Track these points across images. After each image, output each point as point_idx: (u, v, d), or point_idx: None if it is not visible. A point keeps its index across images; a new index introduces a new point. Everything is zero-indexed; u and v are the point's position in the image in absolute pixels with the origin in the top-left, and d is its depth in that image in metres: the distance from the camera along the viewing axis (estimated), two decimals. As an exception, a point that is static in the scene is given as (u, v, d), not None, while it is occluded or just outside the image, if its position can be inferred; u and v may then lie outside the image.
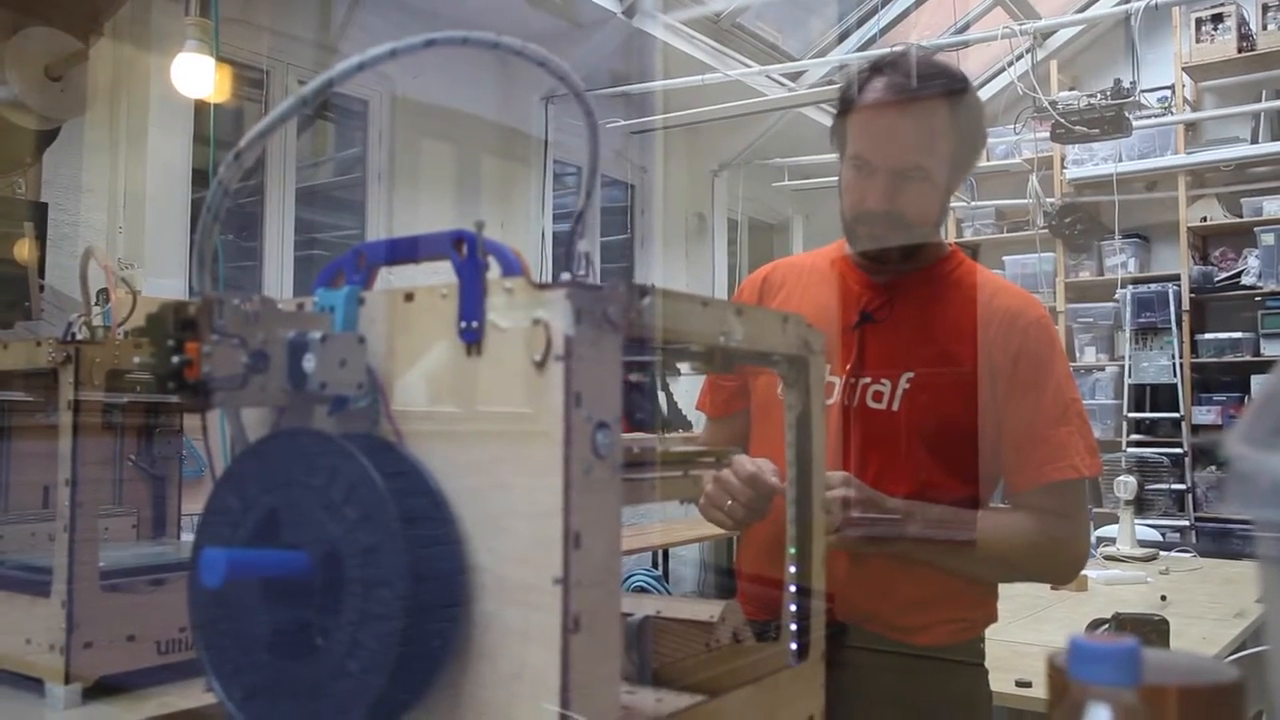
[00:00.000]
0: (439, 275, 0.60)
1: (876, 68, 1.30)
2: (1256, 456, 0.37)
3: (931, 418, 1.28)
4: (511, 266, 0.58)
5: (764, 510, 1.14)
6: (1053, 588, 2.84)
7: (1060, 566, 1.46)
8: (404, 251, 0.64)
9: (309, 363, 0.57)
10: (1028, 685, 1.82)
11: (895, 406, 1.29)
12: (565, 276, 0.65)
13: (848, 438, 1.29)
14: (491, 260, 0.58)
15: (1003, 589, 2.89)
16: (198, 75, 2.53)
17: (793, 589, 0.76)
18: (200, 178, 3.14)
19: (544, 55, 0.63)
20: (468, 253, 0.58)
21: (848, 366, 1.32)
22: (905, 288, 1.36)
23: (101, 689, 1.09)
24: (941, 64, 1.32)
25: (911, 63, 1.29)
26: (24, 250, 2.38)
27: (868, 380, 1.31)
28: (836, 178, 1.36)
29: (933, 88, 1.28)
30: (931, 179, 1.28)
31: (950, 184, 1.33)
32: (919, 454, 1.28)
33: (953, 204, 6.02)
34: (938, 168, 1.28)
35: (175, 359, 0.54)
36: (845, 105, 1.33)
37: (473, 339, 0.57)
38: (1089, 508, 1.42)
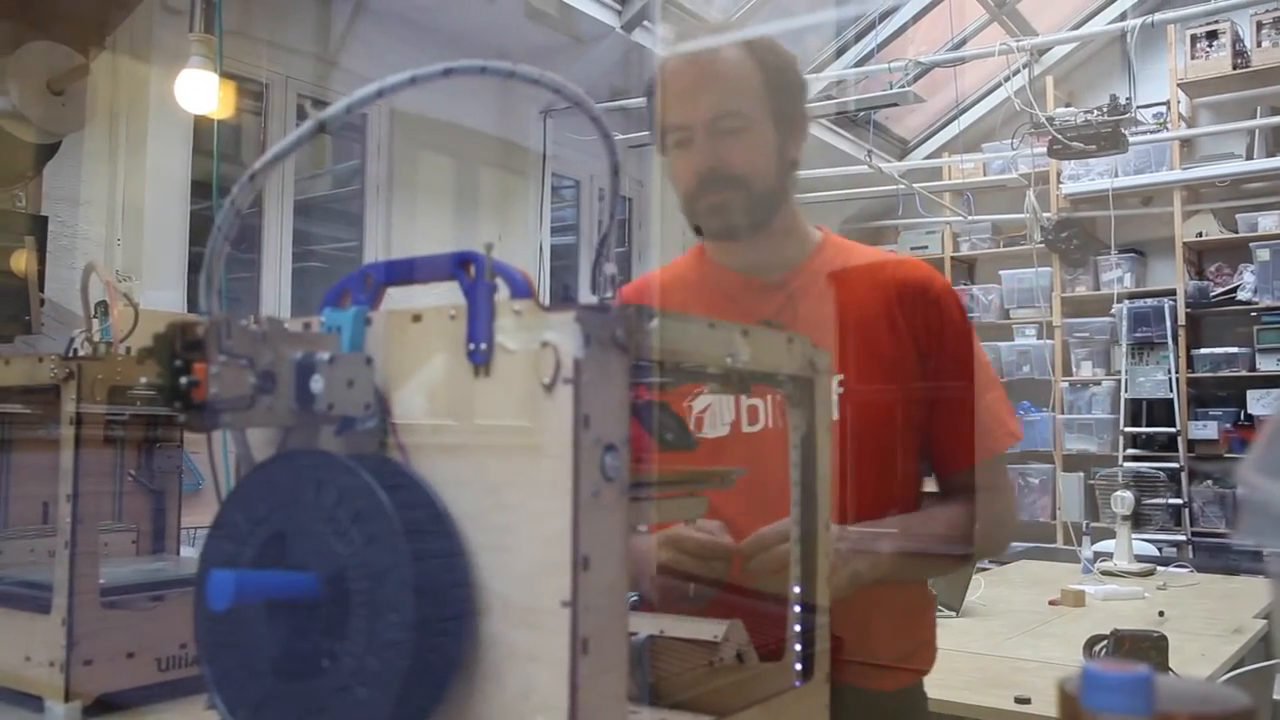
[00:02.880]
0: (433, 294, 0.60)
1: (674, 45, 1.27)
2: (1269, 487, 0.37)
3: (872, 419, 1.20)
4: (519, 288, 0.58)
5: (722, 573, 1.03)
6: (1051, 602, 2.84)
7: (1002, 541, 1.41)
8: (410, 272, 0.64)
9: (316, 383, 0.57)
10: (1026, 702, 1.82)
11: (835, 414, 1.21)
12: (593, 299, 0.65)
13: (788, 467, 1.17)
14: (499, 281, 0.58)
15: (996, 605, 2.89)
16: (201, 92, 2.53)
17: (797, 609, 0.76)
18: (199, 190, 3.14)
19: (559, 82, 0.63)
20: (476, 274, 0.58)
21: None
22: (799, 283, 1.27)
23: (101, 706, 1.08)
24: (725, 21, 1.31)
25: (697, 30, 1.26)
26: (23, 263, 2.38)
27: None
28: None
29: (720, 39, 1.24)
30: (749, 128, 1.20)
31: (781, 138, 1.24)
32: (867, 463, 1.19)
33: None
34: (751, 113, 1.20)
35: (183, 380, 0.54)
36: (649, 98, 1.27)
37: (481, 361, 0.57)
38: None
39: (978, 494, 1.26)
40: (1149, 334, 5.45)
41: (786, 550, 0.94)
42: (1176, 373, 5.35)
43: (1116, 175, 5.52)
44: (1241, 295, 5.36)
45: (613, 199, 0.66)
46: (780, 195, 1.27)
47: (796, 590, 0.75)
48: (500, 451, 0.56)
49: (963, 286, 6.23)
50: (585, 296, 0.64)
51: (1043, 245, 5.54)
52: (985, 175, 5.90)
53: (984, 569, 3.33)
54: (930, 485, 1.32)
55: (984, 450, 1.26)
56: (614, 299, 0.60)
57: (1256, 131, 5.30)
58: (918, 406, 1.23)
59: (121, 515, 1.41)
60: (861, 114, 5.26)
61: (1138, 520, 3.46)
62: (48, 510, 1.33)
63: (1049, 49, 5.55)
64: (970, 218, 5.96)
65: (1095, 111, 3.98)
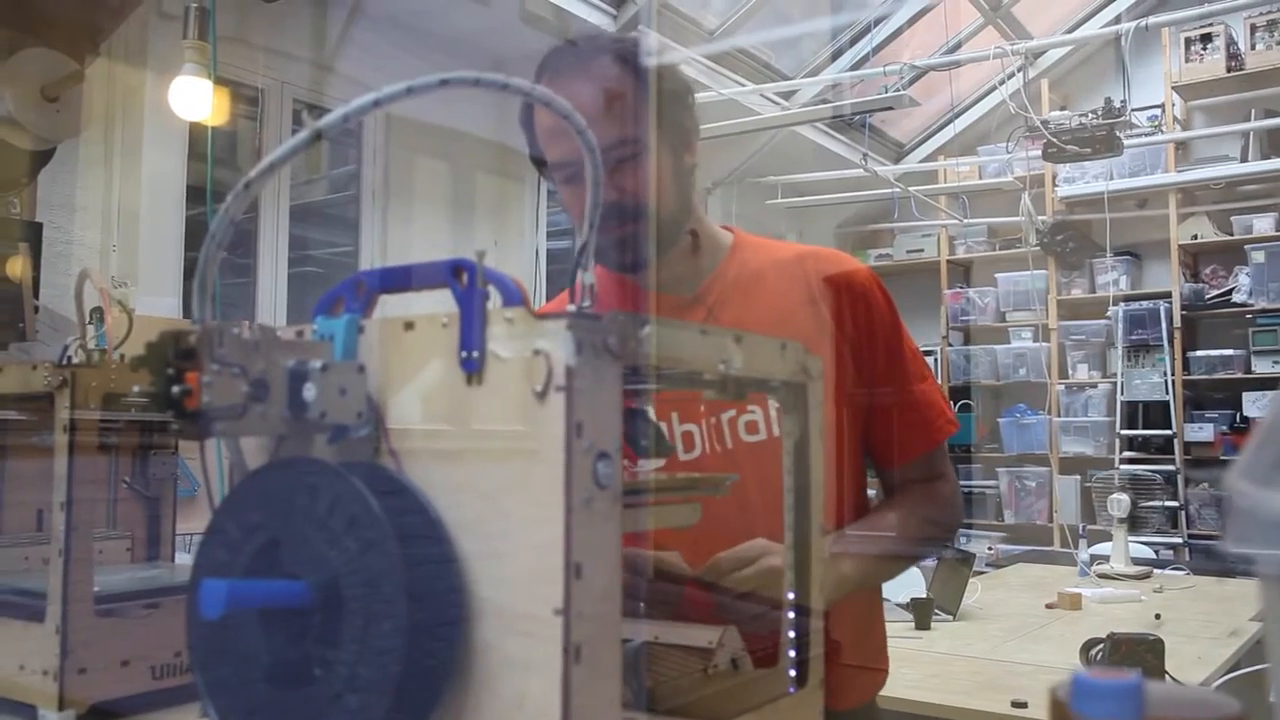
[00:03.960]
0: (428, 301, 0.60)
1: (540, 73, 1.16)
2: (1257, 493, 0.37)
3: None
4: (512, 296, 0.58)
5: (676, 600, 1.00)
6: (1048, 605, 2.84)
7: (956, 528, 1.39)
8: (403, 279, 0.64)
9: (309, 392, 0.57)
10: (1023, 706, 1.82)
11: (777, 430, 1.11)
12: (571, 308, 0.65)
13: (738, 488, 1.04)
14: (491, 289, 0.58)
15: (993, 608, 2.89)
16: (195, 98, 2.53)
17: (790, 615, 0.76)
18: (194, 195, 3.14)
19: (549, 95, 0.63)
20: (468, 282, 0.58)
21: (702, 406, 1.15)
22: (717, 293, 1.22)
23: (95, 715, 1.08)
24: (593, 36, 1.18)
25: (561, 53, 1.16)
26: (18, 270, 2.38)
27: (732, 413, 1.15)
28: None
29: (588, 57, 1.14)
30: (642, 151, 1.12)
31: (676, 153, 1.17)
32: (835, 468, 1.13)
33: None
34: (641, 134, 1.13)
35: (175, 388, 0.54)
36: (528, 132, 1.17)
37: (473, 369, 0.57)
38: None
39: (930, 484, 1.26)
40: (1145, 336, 5.47)
41: (746, 576, 0.94)
42: (1172, 375, 5.36)
43: (1112, 178, 5.53)
44: (1237, 297, 5.38)
45: (593, 210, 0.66)
46: (685, 210, 1.21)
47: (790, 596, 0.76)
48: (493, 459, 0.56)
49: (959, 289, 6.25)
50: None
51: (1038, 248, 5.55)
52: (981, 178, 5.91)
53: (980, 572, 3.33)
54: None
55: (929, 441, 1.25)
56: (592, 306, 0.60)
57: (1251, 134, 5.32)
58: (856, 403, 1.21)
59: (116, 522, 1.41)
60: (857, 117, 5.27)
61: (1134, 523, 3.47)
62: (42, 518, 1.33)
63: (1044, 52, 5.57)
64: (966, 221, 5.97)
65: (1090, 114, 3.99)
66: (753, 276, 1.23)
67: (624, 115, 1.12)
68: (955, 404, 5.77)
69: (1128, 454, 5.45)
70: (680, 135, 1.18)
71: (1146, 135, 5.40)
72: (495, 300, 0.58)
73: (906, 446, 1.24)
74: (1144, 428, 5.47)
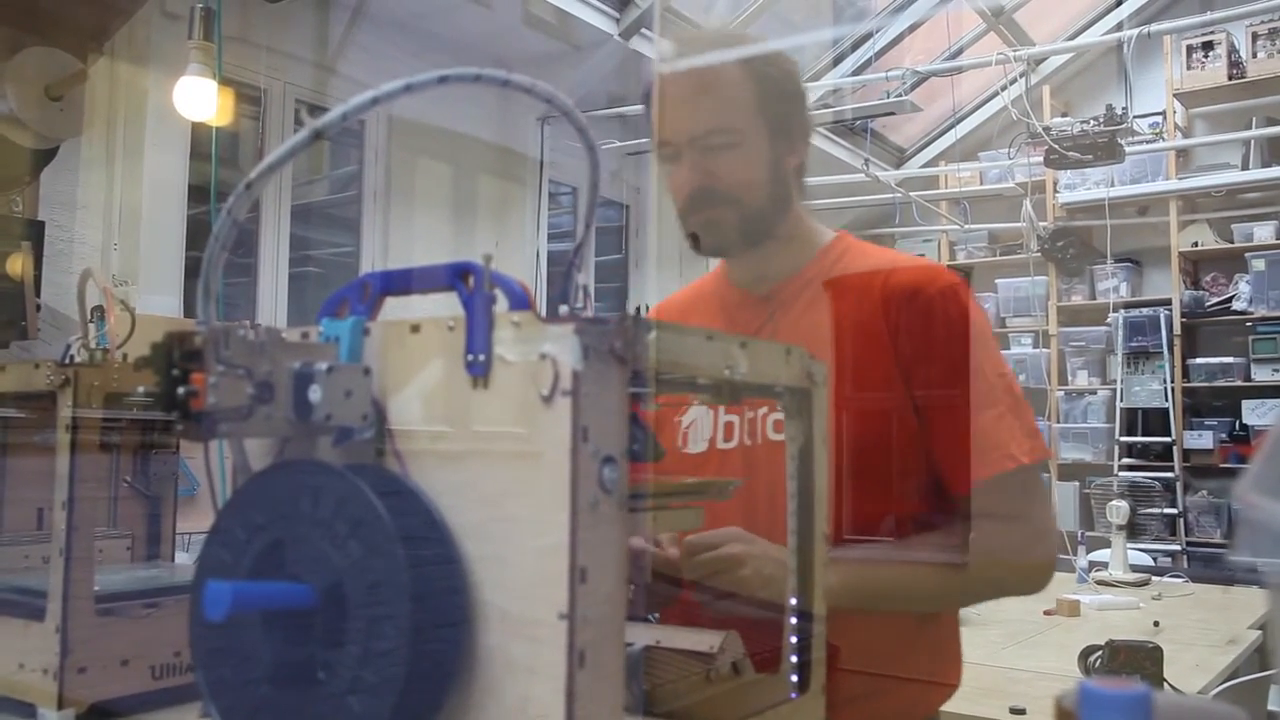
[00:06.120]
0: (430, 303, 0.60)
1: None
2: (1267, 505, 0.37)
3: (843, 434, 1.03)
4: (518, 300, 0.58)
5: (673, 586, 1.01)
6: (1046, 612, 2.84)
7: (1017, 577, 1.22)
8: (409, 282, 0.64)
9: (314, 394, 0.57)
10: (1021, 712, 1.82)
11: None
12: (564, 309, 0.65)
13: (759, 482, 1.06)
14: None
15: (992, 614, 2.88)
16: (200, 98, 2.53)
17: (793, 620, 0.76)
18: (196, 195, 3.14)
19: (550, 92, 0.63)
20: (474, 285, 0.58)
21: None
22: (786, 295, 1.22)
23: (95, 714, 1.08)
24: (721, 31, 1.27)
25: (688, 42, 1.21)
26: (19, 268, 2.38)
27: (765, 410, 1.16)
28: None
29: (712, 50, 1.18)
30: (740, 142, 1.15)
31: (776, 150, 1.19)
32: (842, 480, 1.04)
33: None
34: (743, 127, 1.16)
35: (181, 390, 0.54)
36: (646, 107, 1.23)
37: (479, 372, 0.57)
38: (1045, 498, 1.20)
39: (975, 522, 1.12)
40: (1144, 343, 5.47)
41: (704, 560, 0.97)
42: (1172, 382, 5.36)
43: (1113, 185, 5.54)
44: (1237, 305, 5.39)
45: (589, 210, 0.66)
46: (777, 207, 1.22)
47: (792, 601, 0.75)
48: (498, 462, 0.56)
49: (959, 295, 6.24)
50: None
51: (1039, 254, 5.55)
52: (982, 184, 5.91)
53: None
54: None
55: (976, 474, 1.13)
56: (585, 309, 0.60)
57: (1252, 142, 5.32)
58: (904, 423, 1.14)
59: (116, 521, 1.41)
60: (859, 122, 5.27)
61: (1133, 530, 3.47)
62: (42, 516, 1.32)
63: (1046, 59, 5.57)
64: (967, 226, 5.97)
65: (1092, 121, 3.99)
66: (826, 284, 1.22)
67: (729, 107, 1.16)
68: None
69: (1127, 461, 5.45)
70: (787, 135, 1.20)
71: (1148, 142, 5.40)
72: (501, 304, 0.59)
73: (960, 476, 1.14)
74: (1143, 435, 5.47)
